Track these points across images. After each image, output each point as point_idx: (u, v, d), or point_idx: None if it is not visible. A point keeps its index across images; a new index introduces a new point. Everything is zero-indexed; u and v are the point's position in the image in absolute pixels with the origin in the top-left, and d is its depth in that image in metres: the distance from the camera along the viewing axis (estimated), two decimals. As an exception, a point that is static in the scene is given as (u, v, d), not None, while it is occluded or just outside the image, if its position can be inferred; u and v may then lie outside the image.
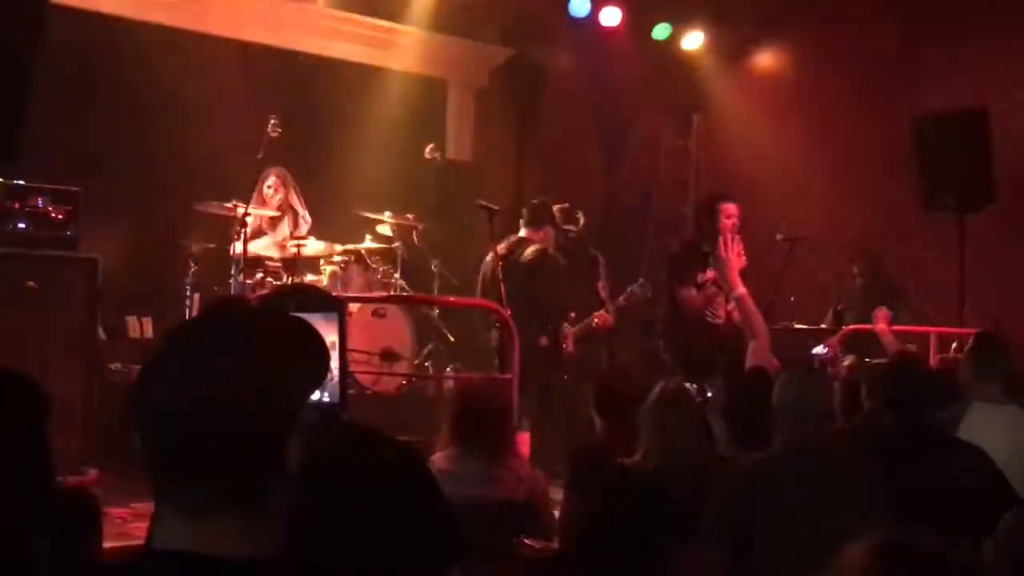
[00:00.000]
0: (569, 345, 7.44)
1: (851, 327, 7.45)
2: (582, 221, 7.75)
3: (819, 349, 7.08)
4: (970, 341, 4.90)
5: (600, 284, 7.78)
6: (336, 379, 2.13)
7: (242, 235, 7.35)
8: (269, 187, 7.96)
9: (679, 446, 3.79)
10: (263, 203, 7.91)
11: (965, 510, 3.54)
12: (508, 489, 3.96)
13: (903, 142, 7.74)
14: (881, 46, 8.78)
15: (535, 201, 7.58)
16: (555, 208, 7.68)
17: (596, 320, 7.45)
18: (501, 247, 7.22)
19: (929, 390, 4.15)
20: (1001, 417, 4.44)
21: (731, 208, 6.89)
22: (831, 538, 1.56)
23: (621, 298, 7.54)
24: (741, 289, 5.34)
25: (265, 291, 7.25)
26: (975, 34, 8.21)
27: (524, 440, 6.46)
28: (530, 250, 7.09)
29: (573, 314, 7.55)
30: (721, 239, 5.86)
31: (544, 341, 7.18)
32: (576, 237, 7.67)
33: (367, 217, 8.23)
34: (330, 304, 2.32)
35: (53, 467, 2.29)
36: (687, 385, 5.76)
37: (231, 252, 7.53)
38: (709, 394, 5.62)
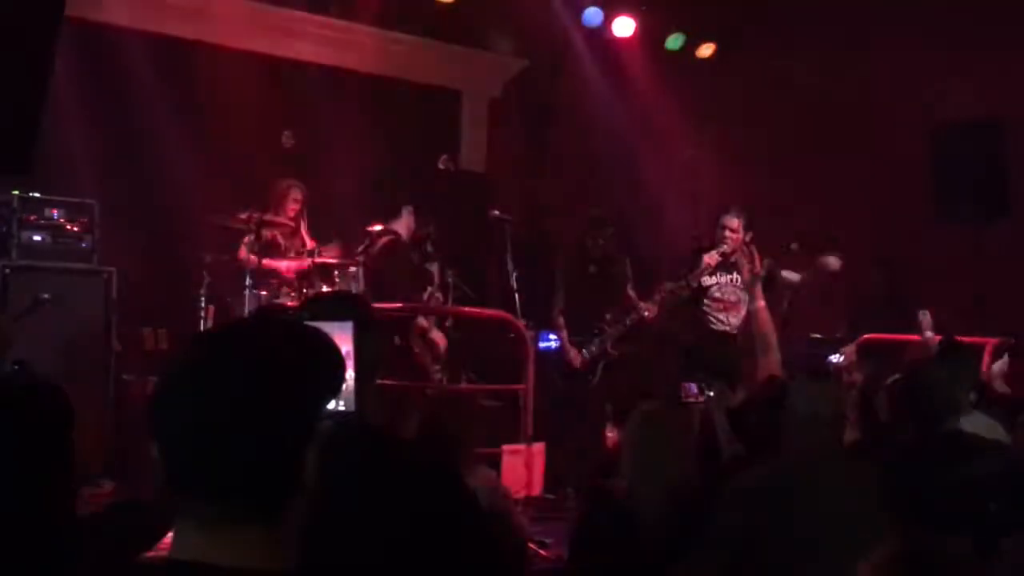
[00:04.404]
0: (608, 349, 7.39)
1: (867, 336, 7.42)
2: (610, 230, 7.72)
3: (835, 357, 7.07)
4: (936, 350, 4.90)
5: (629, 287, 7.71)
6: (352, 388, 2.13)
7: (256, 246, 7.36)
8: (296, 200, 7.94)
9: (657, 468, 3.77)
10: (279, 214, 7.89)
11: (989, 512, 3.52)
12: None
13: (919, 152, 7.72)
14: (897, 56, 8.75)
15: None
16: (591, 216, 7.70)
17: (647, 312, 7.27)
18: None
19: (944, 398, 4.14)
20: (968, 427, 4.43)
21: (729, 221, 6.95)
22: (836, 553, 1.54)
23: (656, 295, 7.40)
24: (760, 302, 5.42)
25: (279, 302, 7.25)
26: (991, 44, 8.19)
27: (539, 451, 6.46)
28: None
29: (607, 315, 7.47)
30: (750, 256, 5.94)
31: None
32: (605, 245, 7.61)
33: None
34: (347, 312, 2.32)
35: (76, 478, 2.31)
36: (687, 384, 5.77)
37: (245, 264, 7.54)
38: (711, 392, 5.63)
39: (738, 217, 6.98)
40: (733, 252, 6.88)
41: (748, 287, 6.30)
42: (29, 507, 2.23)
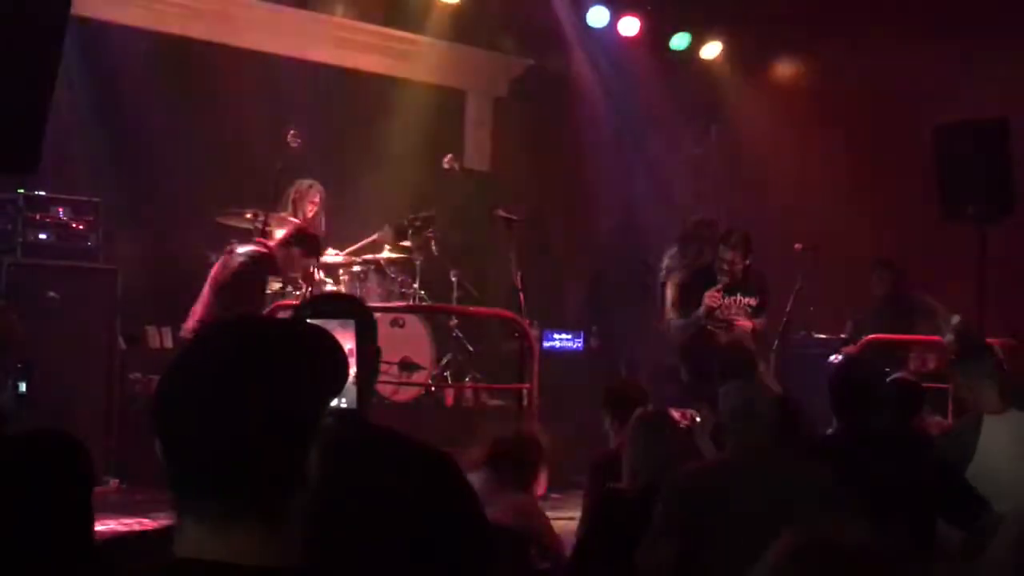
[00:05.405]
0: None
1: (870, 337, 7.41)
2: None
3: (835, 358, 7.07)
4: (956, 349, 4.90)
5: None
6: (354, 385, 2.14)
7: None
8: (314, 202, 7.85)
9: (660, 466, 3.84)
10: (297, 214, 7.81)
11: (906, 505, 3.60)
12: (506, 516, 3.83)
13: (923, 151, 7.71)
14: (902, 55, 8.74)
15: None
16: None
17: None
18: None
19: (867, 395, 4.18)
20: (1004, 425, 4.42)
21: (725, 253, 7.04)
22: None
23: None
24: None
25: (284, 300, 7.26)
26: (997, 44, 8.18)
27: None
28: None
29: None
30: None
31: None
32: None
33: (385, 227, 8.24)
34: (348, 311, 2.32)
35: (93, 533, 2.25)
36: (674, 412, 5.85)
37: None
38: (698, 419, 5.68)
39: (733, 249, 7.02)
40: (732, 282, 6.98)
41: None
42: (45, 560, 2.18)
